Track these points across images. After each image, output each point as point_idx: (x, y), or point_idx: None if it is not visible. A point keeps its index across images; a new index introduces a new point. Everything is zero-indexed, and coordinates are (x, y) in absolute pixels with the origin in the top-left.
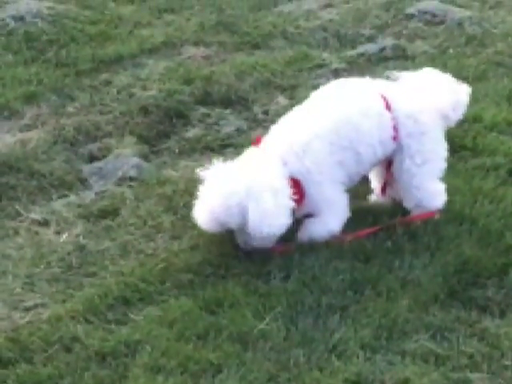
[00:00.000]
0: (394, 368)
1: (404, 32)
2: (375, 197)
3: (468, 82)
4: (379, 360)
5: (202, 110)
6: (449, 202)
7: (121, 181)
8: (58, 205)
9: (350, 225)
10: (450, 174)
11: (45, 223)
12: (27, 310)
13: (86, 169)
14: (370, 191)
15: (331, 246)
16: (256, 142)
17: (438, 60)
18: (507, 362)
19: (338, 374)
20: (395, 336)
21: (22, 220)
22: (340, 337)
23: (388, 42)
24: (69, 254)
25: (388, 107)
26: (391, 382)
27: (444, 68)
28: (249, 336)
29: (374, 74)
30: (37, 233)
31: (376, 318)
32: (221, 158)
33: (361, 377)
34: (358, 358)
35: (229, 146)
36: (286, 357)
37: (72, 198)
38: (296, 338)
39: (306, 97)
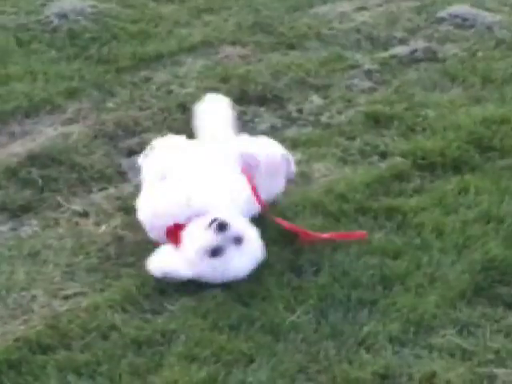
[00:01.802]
0: (422, 362)
1: (435, 35)
2: None
3: (496, 85)
4: (407, 354)
5: (238, 107)
6: (476, 202)
7: None
8: (97, 197)
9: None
10: (478, 174)
11: (85, 214)
12: (66, 298)
13: (125, 163)
14: None
15: (361, 243)
16: None
17: (468, 63)
18: None
19: (366, 367)
20: (423, 330)
21: (63, 211)
22: (369, 330)
23: (419, 44)
24: (107, 244)
25: None
26: (418, 375)
27: (473, 70)
28: (280, 328)
29: (405, 76)
30: (77, 224)
31: (404, 312)
32: None
33: (389, 370)
34: (386, 351)
35: None
36: (316, 349)
37: (111, 190)
38: (326, 330)
39: (339, 96)
